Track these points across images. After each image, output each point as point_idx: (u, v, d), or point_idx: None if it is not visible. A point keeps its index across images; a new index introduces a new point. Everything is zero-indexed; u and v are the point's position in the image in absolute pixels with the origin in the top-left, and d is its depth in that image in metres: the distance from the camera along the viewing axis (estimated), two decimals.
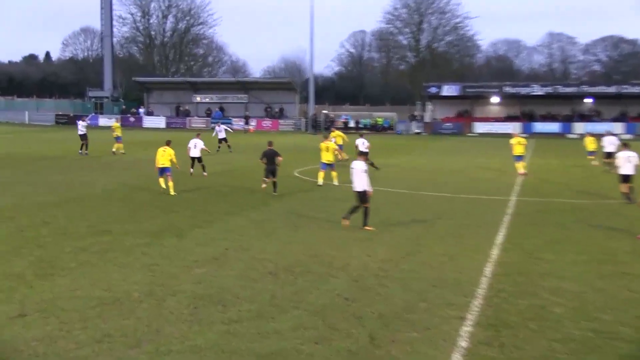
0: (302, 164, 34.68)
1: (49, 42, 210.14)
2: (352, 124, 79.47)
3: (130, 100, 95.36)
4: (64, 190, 24.30)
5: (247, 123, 78.52)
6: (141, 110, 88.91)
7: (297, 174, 30.35)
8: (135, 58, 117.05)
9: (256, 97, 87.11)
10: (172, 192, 23.28)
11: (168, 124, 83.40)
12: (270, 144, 24.40)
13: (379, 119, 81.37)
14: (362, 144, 33.08)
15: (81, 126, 41.10)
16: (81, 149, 40.04)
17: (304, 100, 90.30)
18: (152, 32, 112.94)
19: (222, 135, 44.37)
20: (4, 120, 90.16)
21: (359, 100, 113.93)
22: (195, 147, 29.22)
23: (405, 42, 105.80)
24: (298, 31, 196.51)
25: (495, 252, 14.96)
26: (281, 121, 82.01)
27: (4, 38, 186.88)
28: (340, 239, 16.21)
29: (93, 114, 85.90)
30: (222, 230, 17.07)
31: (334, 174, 26.73)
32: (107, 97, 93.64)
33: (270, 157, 24.05)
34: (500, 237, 16.66)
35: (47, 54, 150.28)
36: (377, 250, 15.09)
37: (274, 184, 23.82)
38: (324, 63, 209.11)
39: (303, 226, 17.88)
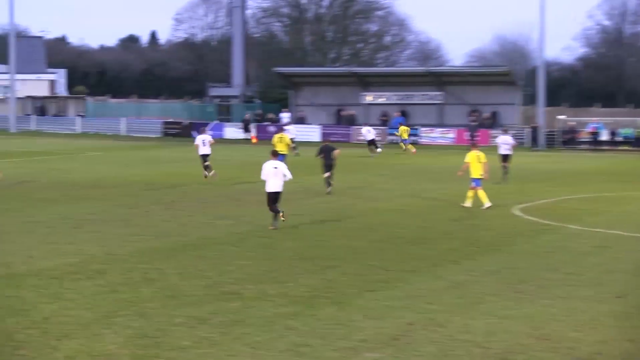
0: (525, 197, 27.30)
1: (156, 18, 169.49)
2: (604, 136, 58.97)
3: (270, 102, 73.98)
4: (177, 233, 20.21)
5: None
6: (283, 115, 64.87)
7: (517, 212, 24.10)
8: (278, 40, 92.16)
9: (456, 96, 65.80)
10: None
11: (324, 136, 60.00)
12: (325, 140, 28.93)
13: None
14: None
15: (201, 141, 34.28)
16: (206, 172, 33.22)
17: (529, 100, 69.02)
18: (303, 1, 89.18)
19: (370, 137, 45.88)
20: (92, 131, 69.71)
21: (616, 99, 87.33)
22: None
23: None
24: None
25: None
26: (494, 131, 59.22)
27: (93, 13, 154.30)
28: (588, 313, 12.58)
29: (216, 122, 66.43)
30: (403, 296, 13.65)
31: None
32: (236, 97, 72.75)
33: (327, 152, 27.35)
34: None
35: (153, 35, 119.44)
36: None
37: (329, 180, 26.83)
38: (562, 43, 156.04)
39: (528, 293, 13.99)
